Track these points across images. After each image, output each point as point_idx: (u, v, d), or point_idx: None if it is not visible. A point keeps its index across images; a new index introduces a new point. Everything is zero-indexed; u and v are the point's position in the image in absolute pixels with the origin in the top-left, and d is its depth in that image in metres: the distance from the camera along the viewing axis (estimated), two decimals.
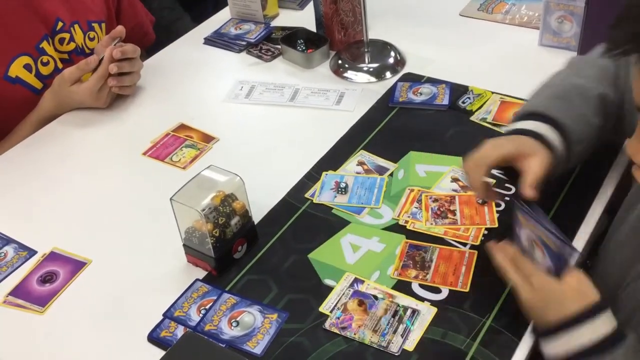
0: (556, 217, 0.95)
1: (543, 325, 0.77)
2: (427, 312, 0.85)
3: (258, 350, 0.82)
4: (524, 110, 0.93)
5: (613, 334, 0.74)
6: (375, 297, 0.87)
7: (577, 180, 1.01)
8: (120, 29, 1.24)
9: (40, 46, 1.27)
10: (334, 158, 1.11)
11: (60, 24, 1.29)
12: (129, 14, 1.48)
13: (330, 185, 1.05)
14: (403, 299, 0.87)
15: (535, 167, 0.84)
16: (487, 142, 0.88)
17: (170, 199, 0.90)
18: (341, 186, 1.04)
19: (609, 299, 0.78)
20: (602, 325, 0.74)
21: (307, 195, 1.04)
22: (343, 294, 0.88)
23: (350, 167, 1.08)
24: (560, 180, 0.99)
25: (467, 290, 0.87)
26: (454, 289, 0.87)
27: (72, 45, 1.32)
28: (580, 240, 0.92)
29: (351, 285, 0.89)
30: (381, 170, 1.07)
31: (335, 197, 1.03)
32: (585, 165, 1.01)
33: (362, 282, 0.89)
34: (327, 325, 0.84)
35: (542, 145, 0.86)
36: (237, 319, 0.86)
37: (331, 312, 0.86)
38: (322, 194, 1.04)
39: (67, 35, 1.31)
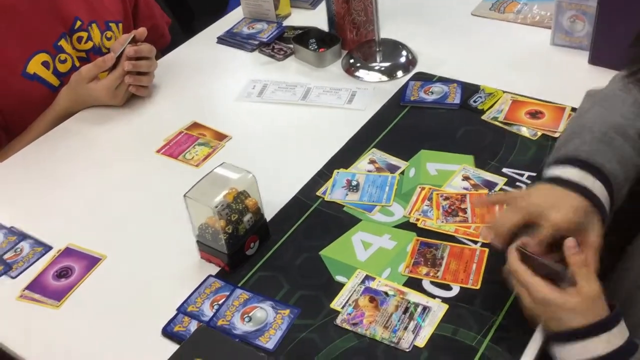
0: None
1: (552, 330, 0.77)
2: (438, 309, 0.85)
3: (270, 345, 0.83)
4: (561, 153, 0.85)
5: (626, 344, 0.73)
6: (387, 294, 0.88)
7: None
8: (142, 31, 1.26)
9: (59, 44, 1.29)
10: (346, 156, 1.12)
11: (78, 23, 1.31)
12: (145, 15, 1.50)
13: (341, 183, 1.06)
14: (414, 296, 0.87)
15: (591, 251, 0.79)
16: (531, 202, 0.81)
17: (184, 195, 0.91)
18: (352, 184, 1.05)
19: (628, 303, 0.78)
20: (616, 337, 0.74)
21: (318, 193, 1.04)
22: (354, 291, 0.89)
23: (362, 165, 1.09)
24: None
25: (477, 287, 0.87)
26: (464, 286, 0.88)
27: (89, 44, 1.34)
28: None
29: (362, 282, 0.90)
30: (392, 169, 1.08)
31: (347, 195, 1.04)
32: None
33: (373, 279, 0.90)
34: (338, 321, 0.85)
35: (593, 208, 0.79)
36: (250, 315, 0.87)
37: (342, 308, 0.87)
38: (334, 191, 1.05)
39: (84, 34, 1.33)
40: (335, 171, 1.09)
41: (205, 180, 0.94)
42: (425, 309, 0.85)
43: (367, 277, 0.90)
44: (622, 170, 0.83)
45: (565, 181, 0.81)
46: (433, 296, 0.87)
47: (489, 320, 0.84)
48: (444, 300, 0.87)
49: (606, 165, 0.82)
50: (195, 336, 0.83)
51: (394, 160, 1.09)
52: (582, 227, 0.79)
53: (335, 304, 0.88)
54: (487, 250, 0.92)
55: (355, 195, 1.04)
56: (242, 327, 0.86)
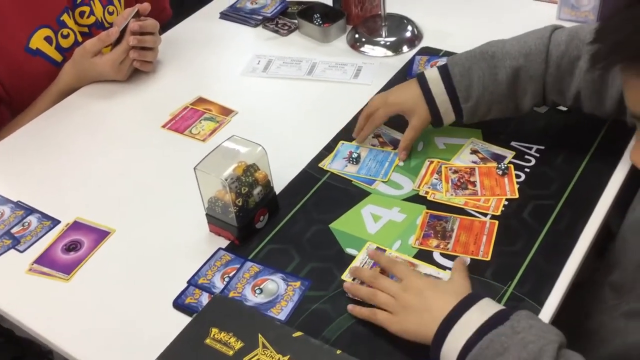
0: (567, 204, 0.96)
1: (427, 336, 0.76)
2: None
3: (282, 316, 0.84)
4: (451, 57, 1.01)
5: (501, 310, 0.74)
6: None
7: (588, 166, 1.00)
8: (145, 6, 1.24)
9: (61, 19, 1.27)
10: (352, 131, 1.11)
11: None
12: None
13: (343, 154, 1.06)
14: (425, 268, 0.87)
15: (408, 132, 1.02)
16: (387, 94, 1.04)
17: (194, 168, 0.91)
18: (353, 156, 1.05)
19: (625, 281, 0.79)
20: (489, 306, 0.75)
21: (320, 164, 1.05)
22: (365, 263, 0.89)
23: (367, 139, 1.09)
24: (572, 165, 0.99)
25: (488, 259, 0.88)
26: (475, 257, 0.88)
27: (92, 19, 1.33)
28: (593, 226, 0.91)
29: None
30: (396, 143, 1.07)
31: (346, 166, 1.04)
32: (596, 151, 1.01)
33: (384, 251, 0.90)
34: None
35: (424, 102, 0.99)
36: (261, 287, 0.87)
37: (353, 280, 0.87)
38: (334, 161, 1.05)
39: (87, 9, 1.31)
40: (340, 142, 1.09)
41: (215, 153, 0.93)
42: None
43: (377, 249, 0.91)
44: (471, 86, 0.96)
45: (422, 77, 1.00)
46: (444, 268, 0.88)
47: (500, 290, 0.84)
48: None
49: (457, 76, 0.97)
50: (211, 305, 0.83)
51: (398, 135, 1.08)
52: (412, 109, 1.01)
53: (346, 275, 0.88)
54: (497, 222, 0.92)
55: (354, 168, 1.04)
56: (253, 299, 0.86)
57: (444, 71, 0.99)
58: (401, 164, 1.03)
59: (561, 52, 0.94)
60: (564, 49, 0.94)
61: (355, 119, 1.14)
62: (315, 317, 0.84)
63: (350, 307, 0.83)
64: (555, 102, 0.99)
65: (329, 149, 1.08)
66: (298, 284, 0.88)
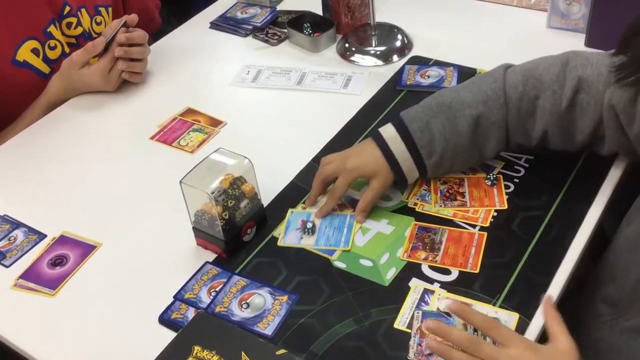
0: (557, 211, 0.95)
1: None
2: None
3: (269, 331, 0.83)
4: (404, 111, 0.96)
5: None
6: None
7: (577, 177, 0.99)
8: (133, 17, 1.24)
9: (48, 30, 1.27)
10: (342, 141, 1.11)
11: (67, 9, 1.29)
12: None
13: (296, 224, 0.96)
14: (481, 307, 0.82)
15: (367, 193, 0.95)
16: (343, 158, 0.96)
17: (180, 181, 0.90)
18: (308, 226, 0.95)
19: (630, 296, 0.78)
20: None
21: (274, 233, 0.95)
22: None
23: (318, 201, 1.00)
24: (561, 176, 0.99)
25: (477, 271, 0.87)
26: (464, 270, 0.87)
27: (79, 30, 1.32)
28: (582, 236, 0.90)
29: None
30: (355, 204, 0.97)
31: (302, 238, 0.94)
32: (585, 163, 1.00)
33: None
34: None
35: (385, 163, 0.94)
36: (248, 301, 0.87)
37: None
38: (287, 234, 0.95)
39: (74, 20, 1.31)
40: (290, 211, 0.99)
41: (201, 166, 0.93)
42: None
43: (460, 303, 0.83)
44: (433, 141, 0.92)
45: (380, 137, 0.95)
46: (432, 281, 0.87)
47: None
48: (443, 284, 0.86)
49: (417, 132, 0.93)
50: (194, 323, 0.83)
51: (356, 195, 0.99)
52: (374, 172, 0.94)
53: (414, 326, 0.81)
54: (485, 234, 0.92)
55: (311, 239, 0.94)
56: (240, 313, 0.85)
57: (401, 128, 0.94)
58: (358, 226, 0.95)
59: (519, 93, 0.91)
60: (522, 90, 0.91)
61: (344, 130, 1.14)
62: (302, 332, 0.83)
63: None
64: (521, 145, 0.96)
65: (318, 160, 1.07)
66: (285, 298, 0.87)
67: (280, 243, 0.94)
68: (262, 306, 0.86)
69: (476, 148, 0.94)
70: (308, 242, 0.94)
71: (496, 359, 0.71)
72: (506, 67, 0.96)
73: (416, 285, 0.86)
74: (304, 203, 0.99)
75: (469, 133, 0.92)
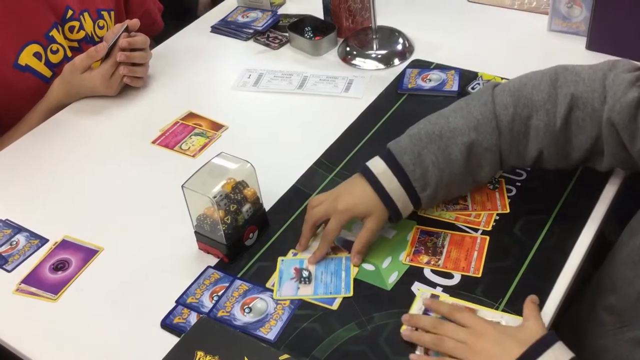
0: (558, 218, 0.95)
1: None
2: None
3: (271, 336, 0.83)
4: (392, 142, 0.92)
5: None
6: None
7: (579, 180, 0.99)
8: (135, 22, 1.24)
9: (50, 34, 1.27)
10: (344, 145, 1.11)
11: (70, 12, 1.29)
12: (137, 2, 1.48)
13: (289, 273, 0.90)
14: (487, 313, 0.82)
15: (363, 234, 0.89)
16: (333, 199, 0.90)
17: (182, 186, 0.90)
18: (303, 275, 0.90)
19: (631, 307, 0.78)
20: (562, 353, 0.74)
21: (267, 284, 0.89)
22: (422, 312, 0.84)
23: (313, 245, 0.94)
24: (563, 179, 0.99)
25: (479, 275, 0.87)
26: (466, 274, 0.87)
27: (81, 34, 1.32)
28: (585, 240, 0.91)
29: None
30: (349, 246, 0.92)
31: (299, 288, 0.88)
32: (587, 167, 1.00)
33: (437, 297, 0.86)
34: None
35: (378, 200, 0.89)
36: (250, 305, 0.87)
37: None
38: (282, 286, 0.88)
39: (76, 24, 1.31)
40: (280, 259, 0.92)
41: (203, 170, 0.93)
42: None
43: (432, 297, 0.85)
44: (426, 174, 0.88)
45: (370, 173, 0.90)
46: (434, 285, 0.87)
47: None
48: (445, 289, 0.86)
49: (409, 165, 0.88)
50: (196, 328, 0.83)
51: (350, 236, 0.94)
52: (367, 211, 0.89)
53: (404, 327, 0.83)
54: (488, 238, 0.91)
55: (309, 289, 0.88)
56: (242, 318, 0.85)
57: (391, 162, 0.89)
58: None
59: (510, 115, 0.88)
60: (513, 111, 0.88)
61: (345, 133, 1.14)
62: (304, 336, 0.83)
63: (413, 357, 0.78)
64: (515, 167, 0.94)
65: (319, 164, 1.08)
66: (287, 302, 0.87)
67: (276, 296, 0.87)
68: (264, 310, 0.86)
69: (470, 175, 0.90)
70: (306, 292, 0.87)
71: (457, 333, 0.78)
72: (493, 86, 0.92)
73: (422, 291, 0.86)
74: (294, 249, 0.93)
75: (463, 161, 0.88)
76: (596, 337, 0.88)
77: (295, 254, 0.93)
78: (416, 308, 0.84)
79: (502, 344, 0.76)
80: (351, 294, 0.86)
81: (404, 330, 0.81)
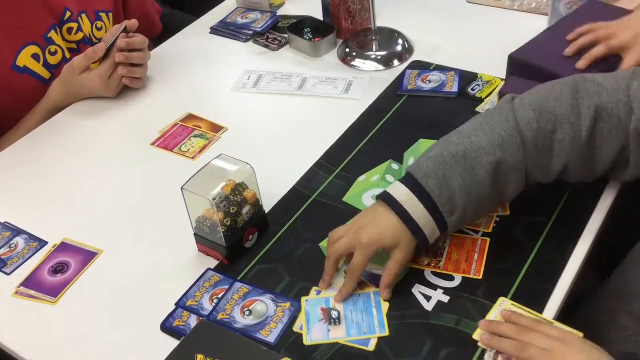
0: (560, 217, 0.95)
1: None
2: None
3: (271, 338, 0.82)
4: (413, 164, 0.87)
5: None
6: None
7: (579, 184, 0.98)
8: (133, 22, 1.24)
9: (48, 36, 1.27)
10: (344, 147, 1.11)
11: (68, 14, 1.29)
12: (136, 3, 1.48)
13: (316, 315, 0.85)
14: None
15: (392, 267, 0.84)
16: (356, 232, 0.85)
17: (182, 188, 0.89)
18: (333, 316, 0.84)
19: None
20: None
21: (295, 328, 0.84)
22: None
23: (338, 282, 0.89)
24: (561, 184, 0.98)
25: (480, 277, 0.87)
26: (467, 276, 0.87)
27: (80, 35, 1.32)
28: (586, 242, 0.90)
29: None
30: (376, 280, 0.87)
31: (329, 330, 0.83)
32: None
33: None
34: None
35: (405, 229, 0.83)
36: (250, 308, 0.86)
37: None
38: (312, 329, 0.83)
39: (75, 25, 1.31)
40: (304, 299, 0.86)
41: (203, 172, 0.92)
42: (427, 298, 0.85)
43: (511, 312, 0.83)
44: (461, 193, 0.83)
45: (393, 200, 0.85)
46: (435, 287, 0.86)
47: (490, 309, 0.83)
48: (447, 291, 0.86)
49: (435, 190, 0.83)
50: (196, 331, 0.82)
51: (378, 270, 0.88)
52: (395, 242, 0.84)
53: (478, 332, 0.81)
54: (488, 239, 0.91)
55: (340, 330, 0.82)
56: (242, 321, 0.85)
57: (415, 187, 0.84)
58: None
59: (534, 130, 0.85)
60: (537, 127, 0.84)
61: (345, 135, 1.13)
62: (304, 339, 0.82)
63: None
64: (539, 182, 0.90)
65: (319, 166, 1.07)
66: (288, 305, 0.86)
67: (307, 342, 0.81)
68: (264, 313, 0.86)
69: (496, 195, 0.86)
70: (338, 335, 0.82)
71: (541, 340, 0.75)
72: (510, 100, 0.89)
73: (502, 299, 0.84)
74: (317, 287, 0.88)
75: (489, 181, 0.84)
76: (617, 342, 0.87)
77: (318, 292, 0.87)
78: (492, 315, 0.82)
79: (588, 353, 0.74)
80: (387, 333, 0.81)
81: (482, 334, 0.79)
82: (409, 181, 0.85)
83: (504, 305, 0.83)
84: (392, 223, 0.84)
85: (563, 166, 0.86)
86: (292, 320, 0.84)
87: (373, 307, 0.85)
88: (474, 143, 0.85)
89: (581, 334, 0.77)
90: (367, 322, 0.83)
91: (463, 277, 0.87)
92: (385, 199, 0.85)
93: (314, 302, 0.86)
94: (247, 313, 0.86)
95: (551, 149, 0.86)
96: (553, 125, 0.85)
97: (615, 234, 0.93)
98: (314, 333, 0.83)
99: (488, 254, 0.89)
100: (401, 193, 0.84)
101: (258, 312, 0.86)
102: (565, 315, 0.83)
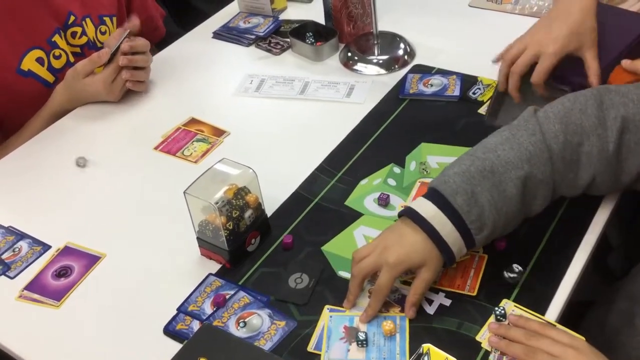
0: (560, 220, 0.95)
1: None
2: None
3: None
4: (436, 179, 0.85)
5: None
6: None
7: None
8: (135, 23, 1.24)
9: (53, 40, 1.27)
10: (346, 151, 1.11)
11: (72, 18, 1.30)
12: (139, 7, 1.48)
13: (338, 332, 0.82)
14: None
15: (418, 285, 0.83)
16: (381, 251, 0.83)
17: (184, 192, 0.90)
18: (360, 338, 0.80)
19: None
20: None
21: (309, 349, 0.81)
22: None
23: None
24: None
25: (474, 294, 0.85)
26: (460, 292, 0.86)
27: (83, 39, 1.33)
28: (587, 246, 0.91)
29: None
30: (401, 300, 0.86)
31: (349, 350, 0.80)
32: None
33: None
34: None
35: (433, 247, 0.82)
36: (245, 320, 0.86)
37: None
38: (332, 347, 0.81)
39: (79, 29, 1.31)
40: (328, 314, 0.85)
41: (205, 176, 0.93)
42: (430, 303, 0.85)
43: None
44: (490, 209, 0.82)
45: (419, 217, 0.82)
46: (437, 290, 0.87)
47: (492, 312, 0.83)
48: (448, 294, 0.86)
49: (463, 207, 0.81)
50: (199, 334, 0.83)
51: (402, 288, 0.87)
52: (423, 261, 0.82)
53: (483, 334, 0.82)
54: (486, 256, 0.90)
55: (361, 353, 0.80)
56: (235, 332, 0.84)
57: (442, 204, 0.82)
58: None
59: (561, 143, 0.83)
60: (563, 139, 0.83)
61: (347, 138, 1.14)
62: (298, 346, 0.82)
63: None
64: (565, 196, 0.89)
65: (321, 170, 1.08)
66: (283, 324, 0.85)
67: (324, 359, 0.80)
68: (258, 328, 0.85)
69: (523, 209, 0.85)
70: (357, 357, 0.79)
71: (551, 346, 0.75)
72: (533, 112, 0.87)
73: (506, 301, 0.84)
74: (341, 306, 0.86)
75: (518, 196, 0.82)
76: (634, 347, 0.86)
77: (341, 311, 0.85)
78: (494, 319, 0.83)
79: None
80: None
81: (490, 337, 0.79)
82: (435, 197, 0.83)
83: (506, 307, 0.83)
84: (419, 241, 0.82)
85: (590, 179, 0.85)
86: (282, 339, 0.83)
87: (397, 332, 0.83)
88: (501, 157, 0.83)
89: (583, 339, 0.77)
90: (389, 348, 0.80)
91: (456, 293, 0.86)
92: (412, 216, 0.83)
93: (337, 319, 0.84)
94: (241, 324, 0.85)
95: (578, 161, 0.84)
96: (580, 138, 0.84)
97: (629, 237, 0.92)
98: (333, 351, 0.80)
99: (484, 272, 0.88)
100: (428, 210, 0.82)
101: (252, 325, 0.85)
102: (575, 317, 0.83)
